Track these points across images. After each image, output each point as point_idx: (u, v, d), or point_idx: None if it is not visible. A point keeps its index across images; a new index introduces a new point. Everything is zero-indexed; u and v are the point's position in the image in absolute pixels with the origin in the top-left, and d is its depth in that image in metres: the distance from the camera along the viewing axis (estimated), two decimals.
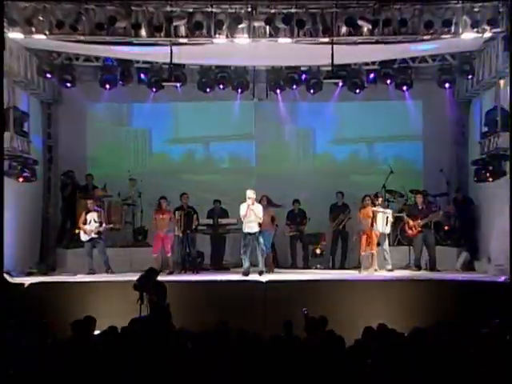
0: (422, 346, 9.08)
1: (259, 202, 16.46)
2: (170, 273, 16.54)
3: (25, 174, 16.58)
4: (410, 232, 17.22)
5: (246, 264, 15.91)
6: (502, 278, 15.08)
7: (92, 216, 16.55)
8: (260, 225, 15.98)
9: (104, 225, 16.60)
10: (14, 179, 16.26)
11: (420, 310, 13.74)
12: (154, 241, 17.07)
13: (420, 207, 17.27)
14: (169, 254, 16.88)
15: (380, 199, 17.08)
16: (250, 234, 15.88)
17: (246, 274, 15.82)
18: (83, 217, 16.66)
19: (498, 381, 7.91)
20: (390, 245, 17.15)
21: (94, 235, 16.46)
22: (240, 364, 8.29)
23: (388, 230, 16.87)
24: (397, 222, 17.59)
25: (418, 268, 17.01)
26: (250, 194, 15.95)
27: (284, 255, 18.62)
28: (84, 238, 16.58)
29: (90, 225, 16.48)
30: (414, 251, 17.30)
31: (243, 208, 15.87)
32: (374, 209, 16.60)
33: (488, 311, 13.29)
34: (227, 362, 8.35)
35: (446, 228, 18.33)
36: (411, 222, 17.11)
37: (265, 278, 15.39)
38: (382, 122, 19.76)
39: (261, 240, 15.96)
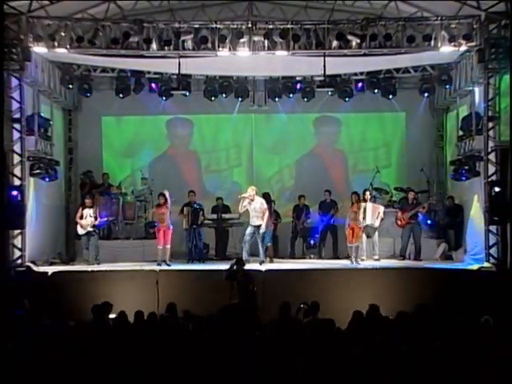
0: (405, 327, 9.15)
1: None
2: (163, 261, 15.94)
3: (48, 174, 16.57)
4: (398, 223, 17.27)
5: (245, 254, 15.89)
6: (476, 267, 15.21)
7: (88, 211, 16.32)
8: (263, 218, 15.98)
9: (99, 219, 16.39)
10: (38, 178, 16.29)
11: (403, 296, 13.78)
12: (157, 234, 16.53)
13: (410, 202, 17.29)
14: (168, 246, 16.20)
15: (368, 193, 17.07)
16: (252, 226, 15.90)
17: (247, 263, 15.83)
18: (80, 212, 16.43)
19: (473, 359, 7.97)
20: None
21: (89, 229, 16.30)
22: (240, 343, 8.35)
23: (377, 223, 16.90)
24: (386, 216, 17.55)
25: (403, 257, 17.05)
26: (250, 190, 15.99)
27: (284, 246, 18.59)
28: (81, 231, 16.40)
29: (86, 219, 16.28)
30: (401, 241, 17.29)
31: (242, 203, 15.93)
32: (364, 204, 16.65)
33: (465, 296, 13.45)
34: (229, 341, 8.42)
35: (429, 222, 18.29)
36: (400, 214, 17.18)
37: (264, 267, 15.42)
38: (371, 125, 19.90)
39: (262, 232, 15.98)
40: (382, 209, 17.00)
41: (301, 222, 18.25)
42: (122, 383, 7.73)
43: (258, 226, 15.84)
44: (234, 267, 13.35)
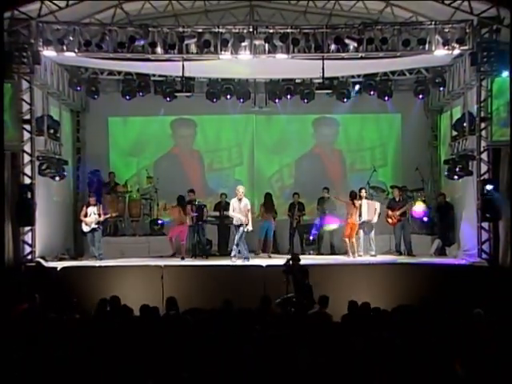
0: (403, 320, 9.15)
1: (264, 198, 16.84)
2: (182, 258, 16.53)
3: (57, 173, 16.55)
4: (390, 221, 17.25)
5: (245, 252, 15.94)
6: (468, 262, 15.21)
7: (92, 209, 16.34)
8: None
9: (102, 216, 16.41)
10: (47, 177, 16.28)
11: (399, 290, 13.78)
12: (171, 229, 17.11)
13: (397, 199, 17.28)
14: (183, 242, 16.76)
15: (363, 190, 17.08)
16: (235, 225, 15.98)
17: (247, 259, 15.86)
18: (84, 210, 16.47)
19: (466, 351, 7.96)
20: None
21: (93, 226, 16.31)
22: (241, 336, 8.34)
23: (375, 219, 16.89)
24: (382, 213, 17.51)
25: (399, 253, 17.04)
26: (241, 189, 16.03)
27: (283, 243, 18.56)
28: (86, 229, 16.42)
29: (91, 217, 16.30)
30: (394, 238, 17.30)
31: (231, 202, 16.06)
32: (359, 201, 16.66)
33: (458, 291, 13.45)
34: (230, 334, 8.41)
35: (424, 219, 18.23)
36: (390, 213, 17.16)
37: (264, 262, 15.38)
38: (368, 125, 19.87)
39: (240, 229, 15.82)
40: (378, 205, 16.99)
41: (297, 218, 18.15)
42: (127, 375, 7.71)
43: (239, 226, 15.85)
44: (290, 262, 13.39)
